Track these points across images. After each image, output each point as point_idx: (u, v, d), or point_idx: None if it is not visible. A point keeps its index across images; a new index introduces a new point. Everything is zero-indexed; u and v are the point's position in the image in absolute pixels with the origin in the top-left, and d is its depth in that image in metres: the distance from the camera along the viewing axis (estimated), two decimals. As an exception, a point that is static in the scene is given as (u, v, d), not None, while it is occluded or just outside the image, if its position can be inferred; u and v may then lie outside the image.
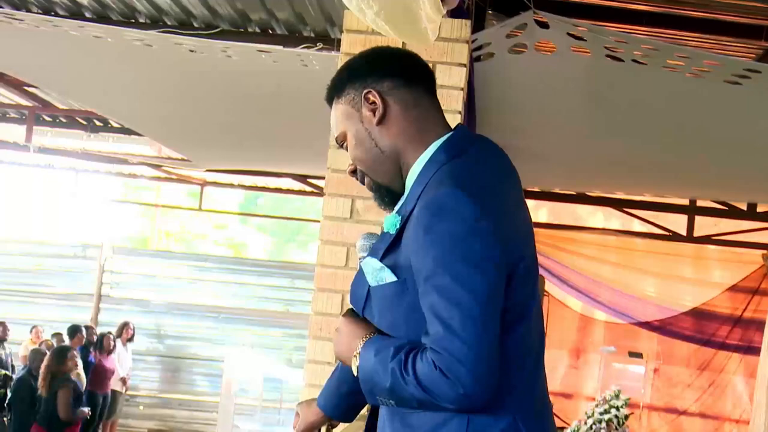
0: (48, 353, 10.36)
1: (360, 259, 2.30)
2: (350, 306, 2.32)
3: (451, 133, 2.25)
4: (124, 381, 13.08)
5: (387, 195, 2.33)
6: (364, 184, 2.36)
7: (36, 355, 10.80)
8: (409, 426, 2.15)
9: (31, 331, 13.35)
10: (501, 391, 2.06)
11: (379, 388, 2.10)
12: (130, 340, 13.59)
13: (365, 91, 2.25)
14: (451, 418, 2.08)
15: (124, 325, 13.55)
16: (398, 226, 2.16)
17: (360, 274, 2.25)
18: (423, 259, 2.05)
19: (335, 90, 2.33)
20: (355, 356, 2.16)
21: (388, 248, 2.17)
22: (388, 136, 2.25)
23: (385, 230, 2.20)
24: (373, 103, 2.24)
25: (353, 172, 2.36)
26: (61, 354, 10.13)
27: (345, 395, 2.52)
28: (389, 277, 2.15)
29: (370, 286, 2.20)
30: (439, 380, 1.99)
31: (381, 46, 2.43)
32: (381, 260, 2.17)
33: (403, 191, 2.28)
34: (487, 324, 2.00)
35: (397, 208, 2.23)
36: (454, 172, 2.13)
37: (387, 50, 2.38)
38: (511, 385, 2.10)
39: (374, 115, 2.25)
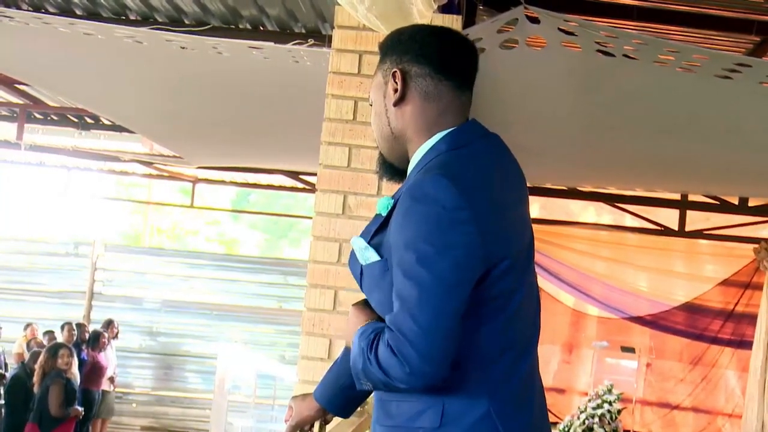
0: (43, 351, 10.36)
1: None
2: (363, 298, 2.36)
3: (459, 125, 2.26)
4: (112, 380, 13.05)
5: (387, 168, 2.39)
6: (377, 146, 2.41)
7: (34, 356, 10.78)
8: (389, 415, 2.20)
9: (25, 329, 13.31)
10: (475, 382, 2.11)
11: (358, 370, 2.14)
12: (115, 337, 13.55)
13: (394, 69, 2.27)
14: (426, 408, 2.12)
15: (109, 323, 13.50)
16: (389, 208, 2.19)
17: (353, 252, 2.28)
18: (398, 241, 2.09)
19: (381, 52, 2.36)
20: (353, 342, 2.21)
21: (378, 229, 2.21)
22: (400, 120, 2.28)
23: (378, 211, 2.23)
24: (397, 83, 2.27)
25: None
26: (53, 350, 10.12)
27: (343, 388, 2.53)
28: (373, 256, 2.19)
29: (361, 264, 2.25)
30: (391, 359, 2.03)
31: (437, 27, 2.39)
32: (370, 240, 2.21)
33: (405, 171, 2.32)
34: (445, 309, 2.02)
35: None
36: (446, 161, 2.16)
37: (435, 33, 2.35)
38: (485, 376, 2.12)
39: (393, 95, 2.27)
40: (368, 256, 2.20)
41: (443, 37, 2.32)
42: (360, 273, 2.26)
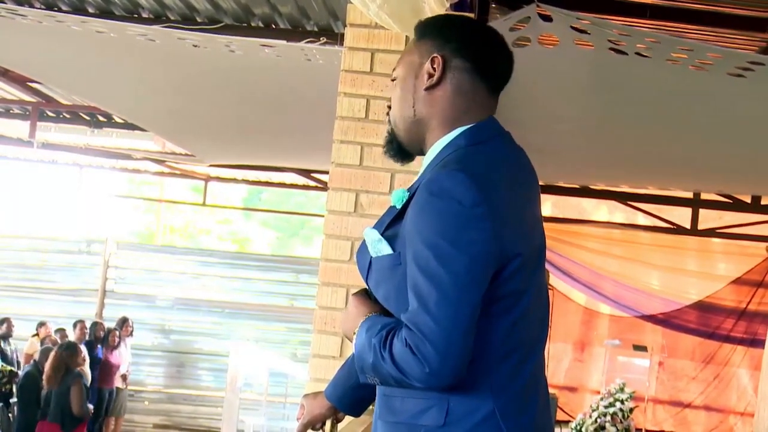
0: (51, 355, 10.31)
1: None
2: (362, 288, 2.34)
3: (479, 122, 2.24)
4: (124, 377, 13.08)
5: (396, 148, 2.35)
6: (388, 123, 2.37)
7: (45, 352, 10.77)
8: (393, 411, 2.18)
9: (38, 328, 13.31)
10: (481, 381, 2.08)
11: (366, 365, 2.12)
12: (130, 335, 13.59)
13: (435, 54, 2.23)
14: (431, 406, 2.10)
15: (124, 321, 13.54)
16: (404, 201, 2.17)
17: (365, 245, 2.26)
18: (414, 236, 2.07)
19: (421, 31, 2.32)
20: (354, 334, 2.19)
21: (391, 221, 2.19)
22: (427, 106, 2.25)
23: (392, 203, 2.21)
24: (434, 69, 2.23)
25: (389, 108, 2.36)
26: (74, 349, 10.12)
27: (353, 387, 2.52)
28: (386, 249, 2.17)
29: (371, 256, 2.22)
30: (409, 358, 2.01)
31: (484, 25, 2.37)
32: (384, 232, 2.19)
33: (413, 154, 2.32)
34: (463, 307, 2.00)
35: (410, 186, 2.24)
36: (464, 157, 2.14)
37: (484, 31, 2.31)
38: (491, 375, 2.11)
39: (427, 80, 2.24)
40: (381, 248, 2.18)
41: (491, 39, 2.29)
42: (368, 265, 2.24)
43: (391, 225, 2.19)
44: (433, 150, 2.24)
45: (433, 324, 1.98)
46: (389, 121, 2.35)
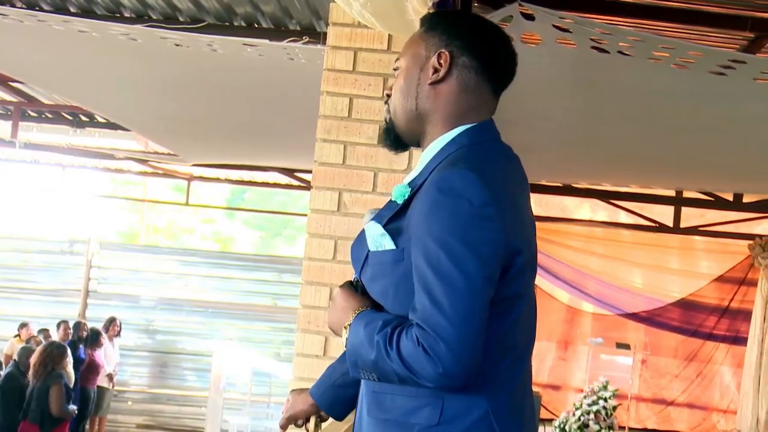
0: (38, 348, 10.27)
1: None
2: (347, 280, 2.32)
3: (480, 122, 2.24)
4: (110, 377, 13.05)
5: (393, 138, 2.33)
6: (387, 112, 2.34)
7: (25, 352, 10.73)
8: (383, 408, 2.16)
9: (20, 328, 13.24)
10: (476, 381, 2.06)
11: (363, 360, 2.10)
12: (117, 335, 13.56)
13: (442, 50, 2.22)
14: (424, 405, 2.09)
15: (111, 321, 13.51)
16: (406, 197, 2.16)
17: (362, 237, 2.24)
18: (423, 234, 2.05)
19: (429, 23, 2.30)
20: (345, 327, 2.17)
21: (392, 217, 2.17)
22: (430, 101, 2.24)
23: (393, 199, 2.19)
24: (441, 65, 2.22)
25: (388, 96, 2.34)
26: (63, 349, 10.08)
27: (336, 386, 2.52)
28: (388, 244, 2.15)
29: (369, 250, 2.20)
30: (421, 357, 1.99)
31: (493, 24, 2.34)
32: (384, 226, 2.17)
33: (408, 145, 2.31)
34: (475, 308, 2.00)
35: (408, 179, 2.23)
36: (471, 156, 2.14)
37: (492, 31, 2.29)
38: (487, 376, 2.10)
39: (432, 74, 2.23)
40: (383, 243, 2.16)
41: (499, 39, 2.28)
42: (364, 258, 2.22)
43: (392, 220, 2.17)
44: (435, 146, 2.23)
45: (446, 324, 1.97)
46: (388, 109, 2.33)
